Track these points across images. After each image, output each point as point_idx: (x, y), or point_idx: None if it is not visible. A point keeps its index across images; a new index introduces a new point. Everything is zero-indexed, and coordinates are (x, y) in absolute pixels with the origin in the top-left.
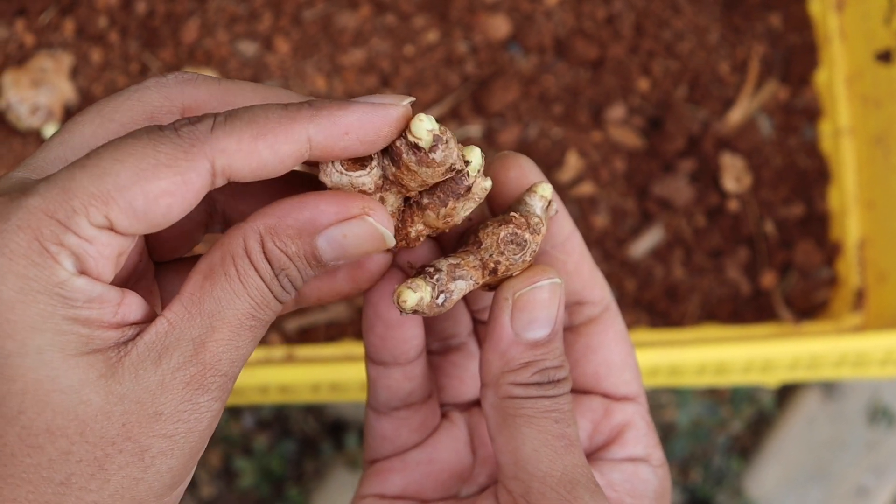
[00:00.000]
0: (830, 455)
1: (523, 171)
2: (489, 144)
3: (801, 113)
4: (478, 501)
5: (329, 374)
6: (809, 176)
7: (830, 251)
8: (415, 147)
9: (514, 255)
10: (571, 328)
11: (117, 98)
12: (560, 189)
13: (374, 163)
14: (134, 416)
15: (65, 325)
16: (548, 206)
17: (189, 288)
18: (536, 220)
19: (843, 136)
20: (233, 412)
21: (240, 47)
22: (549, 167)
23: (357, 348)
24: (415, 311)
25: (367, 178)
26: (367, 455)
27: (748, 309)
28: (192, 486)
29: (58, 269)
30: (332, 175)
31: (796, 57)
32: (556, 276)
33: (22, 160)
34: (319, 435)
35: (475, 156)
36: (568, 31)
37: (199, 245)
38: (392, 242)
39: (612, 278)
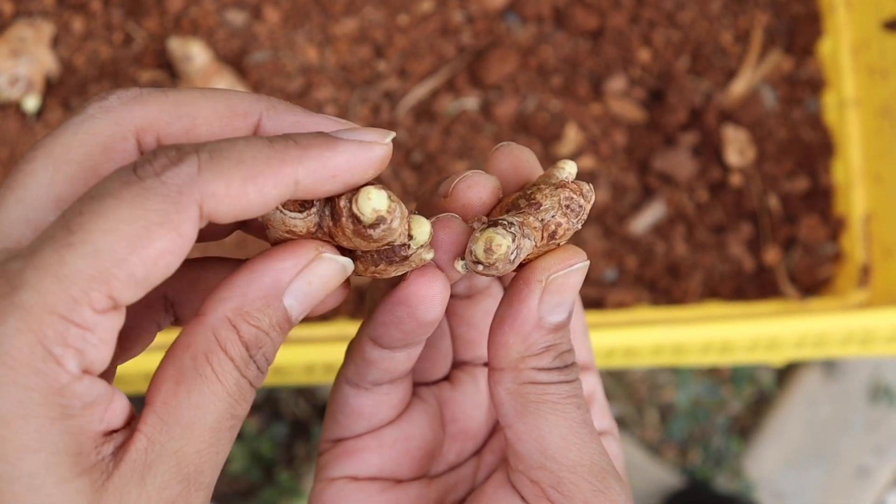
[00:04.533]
0: (831, 435)
1: (530, 162)
2: (486, 118)
3: (805, 84)
4: (487, 490)
5: (323, 355)
6: (814, 149)
7: (835, 226)
8: (355, 217)
9: (573, 219)
10: None
11: (64, 134)
12: None
13: (315, 209)
14: None
15: (60, 443)
16: None
17: (161, 397)
18: (587, 188)
19: (848, 107)
20: None
21: (227, 17)
22: (548, 141)
23: (351, 327)
24: (489, 265)
25: (301, 222)
26: (332, 433)
27: (751, 286)
28: None
29: (61, 373)
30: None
31: (800, 26)
32: (586, 259)
33: (0, 132)
34: (311, 418)
35: (421, 233)
36: None
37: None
38: (352, 267)
39: (612, 255)
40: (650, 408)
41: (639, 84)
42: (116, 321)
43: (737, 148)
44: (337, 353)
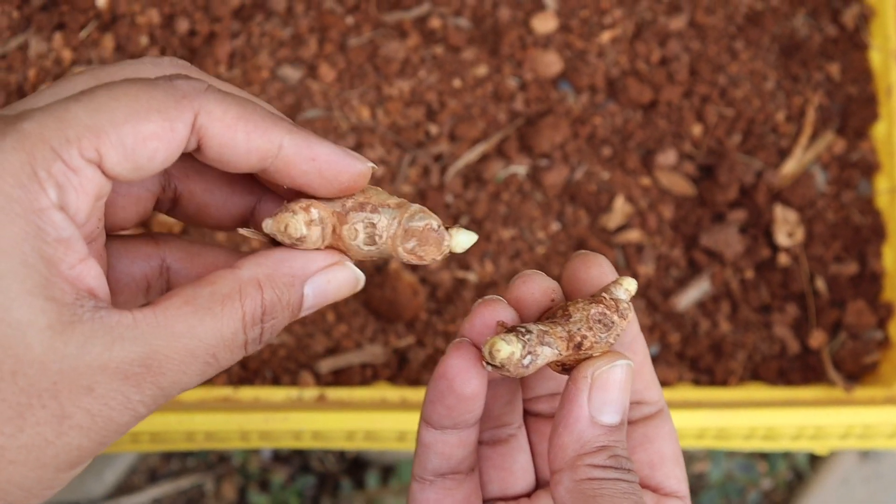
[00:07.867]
0: None
1: (603, 270)
2: (535, 185)
3: (857, 167)
4: None
5: (364, 423)
6: (863, 233)
7: (883, 312)
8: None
9: (601, 333)
10: (630, 422)
11: (113, 66)
12: (606, 235)
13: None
14: (67, 380)
15: (31, 258)
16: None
17: (166, 304)
18: (625, 305)
19: None
20: None
21: (282, 72)
22: (596, 212)
23: (391, 392)
24: (500, 367)
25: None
26: None
27: (795, 368)
28: None
29: (42, 196)
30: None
31: (854, 109)
32: (630, 360)
33: None
34: (339, 472)
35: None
36: (621, 71)
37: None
38: (363, 283)
39: (655, 330)
40: None
41: (689, 159)
42: (99, 181)
43: (786, 229)
44: (378, 421)
